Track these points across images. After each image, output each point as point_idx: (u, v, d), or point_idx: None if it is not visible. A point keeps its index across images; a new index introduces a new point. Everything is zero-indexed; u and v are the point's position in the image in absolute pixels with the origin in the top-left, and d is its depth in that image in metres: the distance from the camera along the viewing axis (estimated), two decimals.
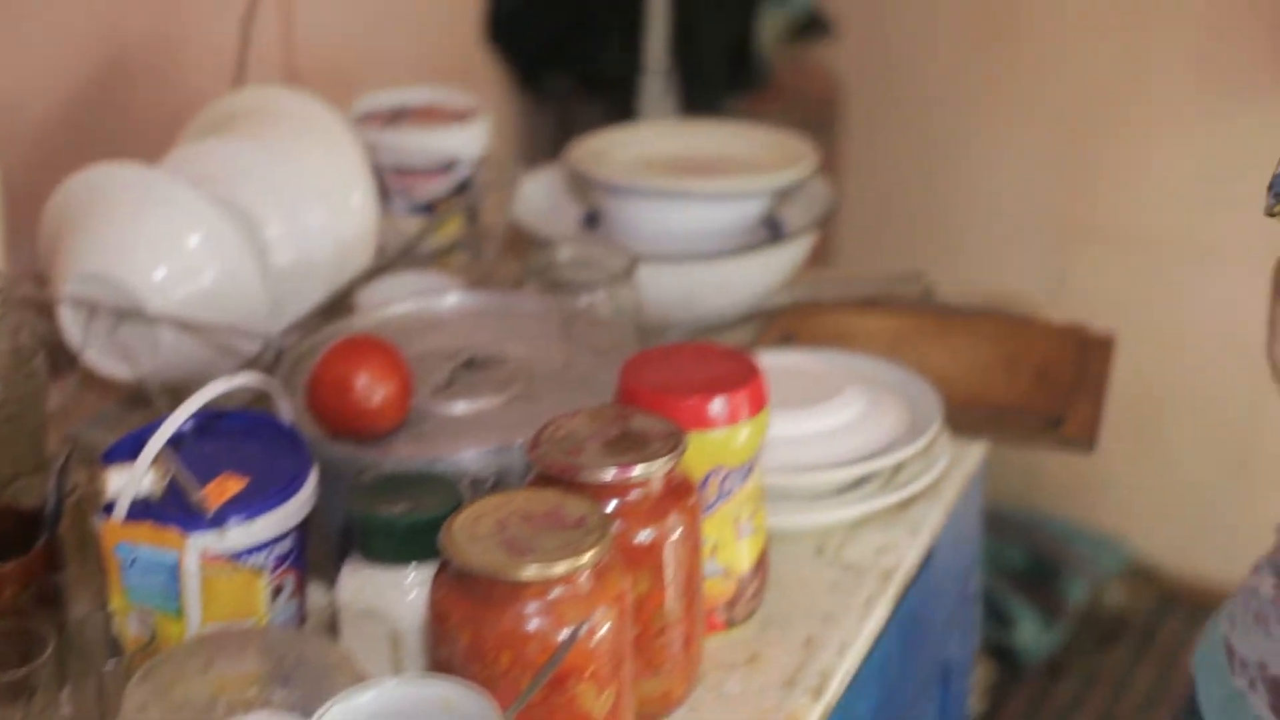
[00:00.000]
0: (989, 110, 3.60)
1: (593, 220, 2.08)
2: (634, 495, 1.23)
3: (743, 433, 1.35)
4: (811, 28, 3.51)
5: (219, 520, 1.27)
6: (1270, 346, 1.69)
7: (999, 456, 1.84)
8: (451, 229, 2.03)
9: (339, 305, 1.77)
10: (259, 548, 1.29)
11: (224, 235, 1.67)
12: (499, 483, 1.37)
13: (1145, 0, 3.35)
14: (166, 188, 1.67)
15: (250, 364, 1.61)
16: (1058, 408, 1.82)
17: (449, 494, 1.27)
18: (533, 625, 1.11)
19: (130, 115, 2.12)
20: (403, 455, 1.40)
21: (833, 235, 3.35)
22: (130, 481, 1.28)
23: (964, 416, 1.76)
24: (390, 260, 1.89)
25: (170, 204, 1.66)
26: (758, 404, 1.36)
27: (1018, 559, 3.46)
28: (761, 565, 1.43)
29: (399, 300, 1.70)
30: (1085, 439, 1.77)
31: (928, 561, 1.61)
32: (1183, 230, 3.33)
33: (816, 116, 3.48)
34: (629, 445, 1.25)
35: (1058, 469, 3.50)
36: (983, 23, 3.57)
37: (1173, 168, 3.36)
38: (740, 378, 1.36)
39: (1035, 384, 1.87)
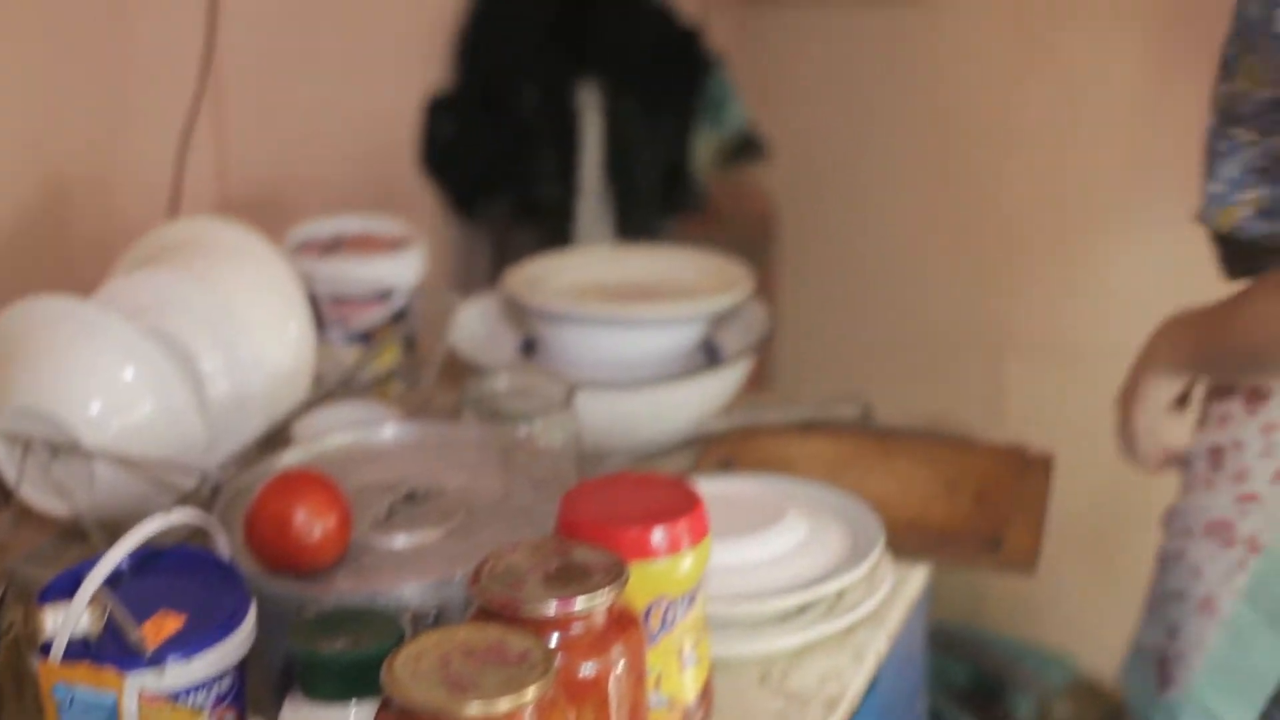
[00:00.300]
0: (923, 228, 3.62)
1: (530, 347, 2.08)
2: (576, 628, 1.22)
3: (685, 562, 1.35)
4: (745, 150, 3.53)
5: (157, 659, 1.26)
6: (1126, 409, 1.88)
7: (943, 574, 1.84)
8: (388, 358, 2.03)
9: (277, 437, 1.76)
10: (198, 686, 1.28)
11: (159, 368, 1.66)
12: (440, 617, 1.36)
13: (1077, 117, 3.39)
14: (100, 321, 1.66)
15: (187, 498, 1.60)
16: (999, 529, 1.82)
17: (390, 630, 1.26)
18: None
19: (65, 247, 2.12)
20: (343, 590, 1.38)
21: (770, 357, 3.36)
22: (67, 620, 1.27)
23: (906, 540, 1.76)
24: (328, 391, 1.88)
25: (104, 337, 1.65)
26: (699, 533, 1.36)
27: (963, 676, 3.45)
28: (706, 695, 1.42)
29: (337, 431, 1.69)
30: (1026, 561, 1.77)
31: (873, 687, 1.60)
32: (1121, 344, 3.34)
33: (752, 238, 3.49)
34: (570, 577, 1.24)
35: (1002, 586, 3.50)
36: (916, 141, 3.61)
37: (1108, 282, 3.39)
38: (681, 507, 1.36)
39: (976, 506, 1.87)
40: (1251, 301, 1.70)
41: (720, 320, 2.07)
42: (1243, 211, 1.71)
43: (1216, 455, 1.79)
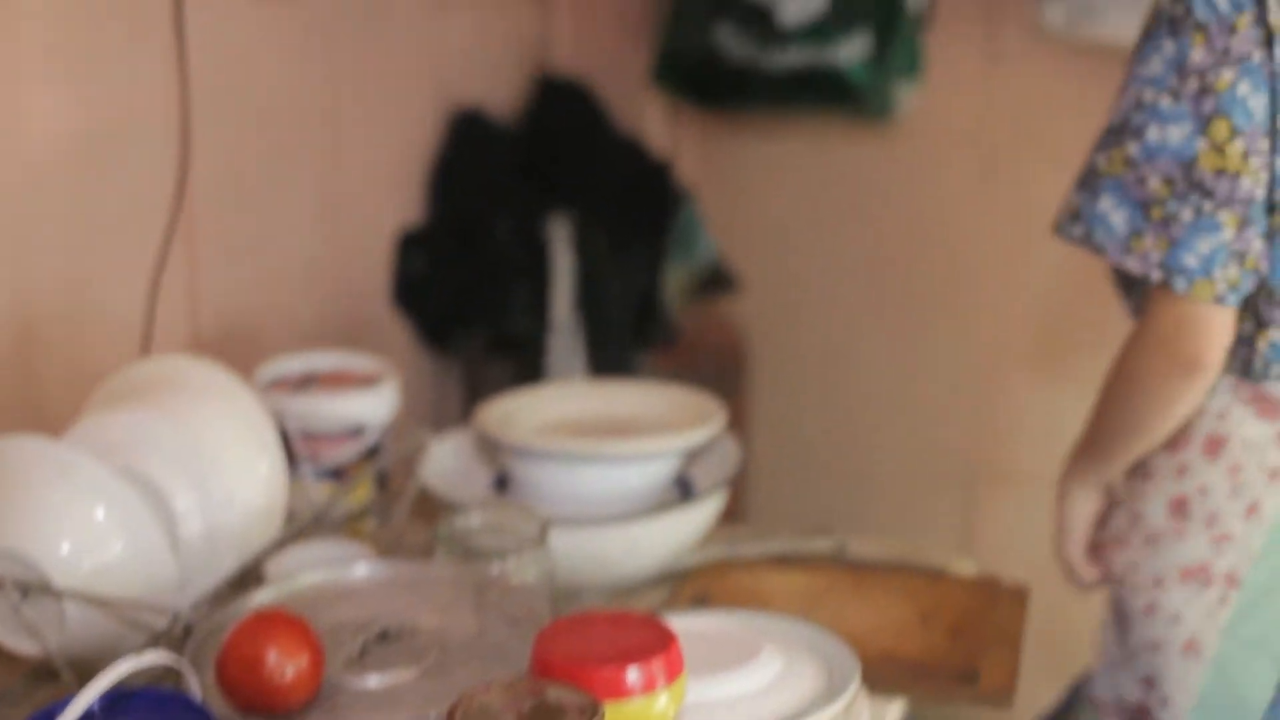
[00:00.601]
0: (893, 358, 3.64)
1: (503, 483, 2.07)
2: None
3: (660, 701, 1.34)
4: (715, 282, 3.55)
5: None
6: (1060, 547, 2.09)
7: (919, 708, 1.83)
8: (361, 495, 2.03)
9: (249, 576, 1.75)
10: None
11: (131, 507, 1.65)
12: None
13: (1044, 245, 3.40)
14: (71, 460, 1.65)
15: (159, 639, 1.59)
16: (975, 662, 1.82)
17: None
18: None
19: (36, 385, 2.11)
20: None
21: (743, 487, 3.35)
22: None
23: (881, 674, 1.76)
24: (300, 529, 1.88)
25: (75, 477, 1.65)
26: (674, 671, 1.35)
27: None
28: None
29: (309, 570, 1.69)
30: (1003, 694, 1.77)
31: None
32: None
33: (723, 369, 3.51)
34: (545, 718, 1.23)
35: (978, 718, 3.48)
36: (884, 269, 3.63)
37: (1078, 411, 3.39)
38: (655, 645, 1.35)
39: (951, 639, 1.87)
40: (1113, 375, 1.94)
41: (693, 455, 2.07)
42: (1063, 215, 1.89)
43: (1180, 505, 1.92)
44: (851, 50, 3.39)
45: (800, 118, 3.62)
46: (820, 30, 3.40)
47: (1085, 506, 2.05)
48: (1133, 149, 1.82)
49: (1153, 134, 1.80)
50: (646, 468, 1.99)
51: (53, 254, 2.14)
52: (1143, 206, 1.81)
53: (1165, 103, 1.80)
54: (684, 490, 2.04)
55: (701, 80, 3.51)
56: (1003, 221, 3.48)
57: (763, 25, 3.40)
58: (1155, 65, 1.81)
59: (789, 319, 3.72)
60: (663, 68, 3.54)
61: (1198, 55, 1.78)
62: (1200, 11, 1.79)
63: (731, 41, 3.43)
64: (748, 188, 3.74)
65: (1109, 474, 2.01)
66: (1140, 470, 1.98)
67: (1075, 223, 1.86)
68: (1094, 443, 2.01)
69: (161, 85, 2.26)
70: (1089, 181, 1.86)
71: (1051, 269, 3.40)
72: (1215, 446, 1.91)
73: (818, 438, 3.72)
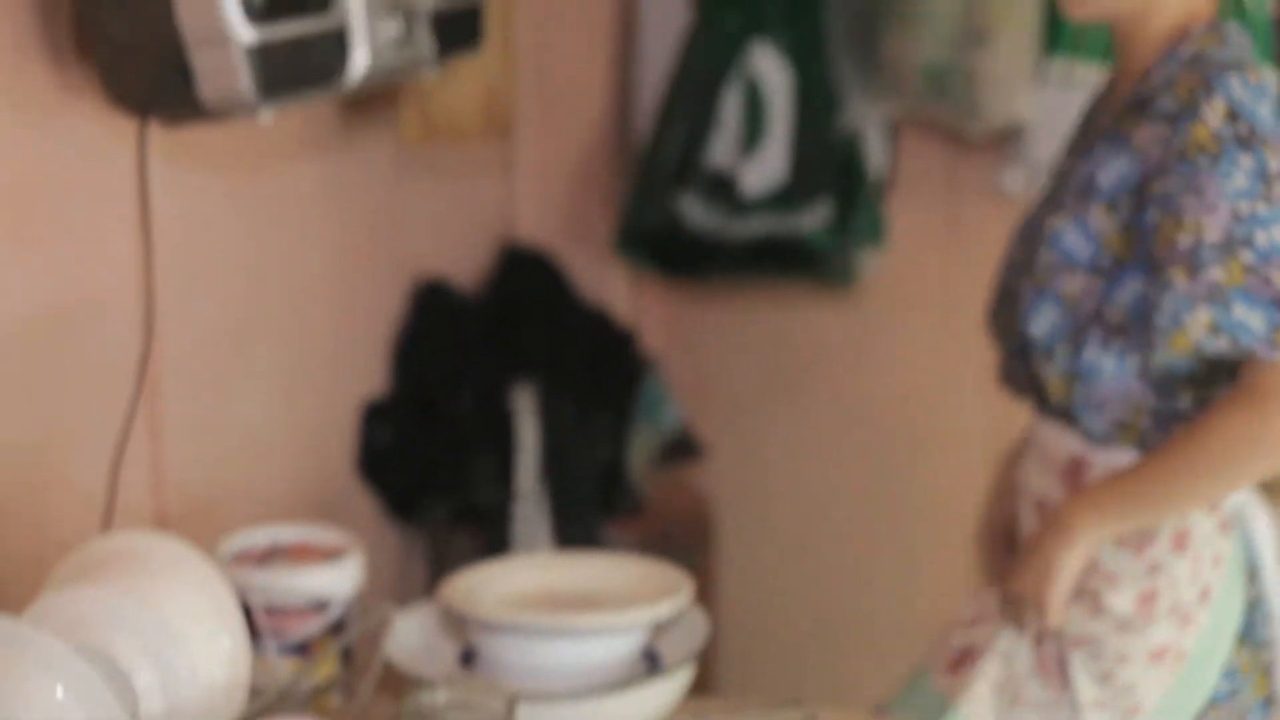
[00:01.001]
0: (861, 524, 3.63)
1: (469, 658, 2.06)
2: None
3: None
4: (680, 450, 3.55)
5: None
6: (1043, 586, 2.12)
7: None
8: (325, 670, 2.00)
9: None
10: None
11: (91, 685, 1.63)
12: None
13: (997, 403, 3.41)
14: (30, 639, 1.63)
15: None
16: None
17: None
18: None
19: None
20: None
21: (712, 658, 3.33)
22: None
23: None
24: (264, 706, 1.85)
25: (34, 654, 1.63)
26: None
27: None
28: None
29: None
30: None
31: None
32: None
33: (689, 537, 3.50)
34: None
35: None
36: (849, 437, 3.63)
37: None
38: None
39: None
40: (1230, 443, 2.01)
41: (661, 627, 2.05)
42: (1194, 333, 2.01)
43: (1150, 598, 2.08)
44: (814, 218, 3.41)
45: (763, 285, 3.64)
46: (782, 199, 3.42)
47: (1085, 558, 2.10)
48: (1247, 256, 1.97)
49: (1261, 238, 1.97)
50: (614, 641, 1.97)
51: (15, 428, 2.13)
52: (1276, 303, 1.97)
53: (1262, 209, 1.98)
54: (652, 663, 2.03)
55: (665, 249, 3.53)
56: (967, 384, 3.48)
57: (726, 195, 3.43)
58: (1240, 180, 1.98)
59: (755, 486, 3.72)
60: (626, 237, 3.55)
61: (1275, 163, 1.99)
62: (1261, 127, 1.99)
63: (695, 211, 3.45)
64: (712, 355, 3.75)
65: (1128, 530, 2.09)
66: (1101, 571, 2.10)
67: (1216, 336, 1.99)
68: (1143, 499, 2.07)
69: (126, 258, 2.26)
70: (1214, 296, 1.98)
71: (1017, 432, 3.41)
72: (1182, 541, 2.09)
73: (786, 606, 3.70)
